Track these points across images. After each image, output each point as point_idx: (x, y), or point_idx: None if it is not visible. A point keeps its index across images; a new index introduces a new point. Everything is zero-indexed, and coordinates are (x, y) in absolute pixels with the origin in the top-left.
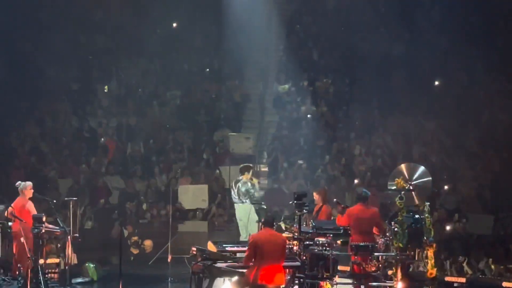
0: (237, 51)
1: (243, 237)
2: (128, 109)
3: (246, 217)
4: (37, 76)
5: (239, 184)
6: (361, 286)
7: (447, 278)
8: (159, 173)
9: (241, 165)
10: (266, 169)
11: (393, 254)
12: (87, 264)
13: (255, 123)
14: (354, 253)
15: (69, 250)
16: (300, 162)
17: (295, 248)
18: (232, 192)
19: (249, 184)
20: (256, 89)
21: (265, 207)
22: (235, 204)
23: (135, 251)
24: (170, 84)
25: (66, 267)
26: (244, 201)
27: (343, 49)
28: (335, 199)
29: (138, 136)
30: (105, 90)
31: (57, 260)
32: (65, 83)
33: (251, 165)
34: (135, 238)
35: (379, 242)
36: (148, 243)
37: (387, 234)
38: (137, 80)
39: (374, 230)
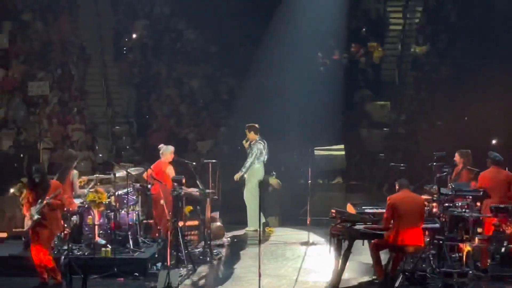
0: (375, 12)
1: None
2: (263, 70)
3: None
4: (176, 38)
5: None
6: (502, 248)
7: None
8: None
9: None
10: (404, 131)
11: None
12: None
13: (393, 85)
14: (494, 215)
15: (208, 213)
16: (439, 123)
17: (434, 210)
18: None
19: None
20: (394, 50)
21: None
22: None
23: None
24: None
25: (206, 230)
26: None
27: (480, 10)
28: (467, 167)
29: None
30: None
31: (196, 222)
32: (204, 45)
33: (256, 125)
34: None
35: None
36: None
37: None
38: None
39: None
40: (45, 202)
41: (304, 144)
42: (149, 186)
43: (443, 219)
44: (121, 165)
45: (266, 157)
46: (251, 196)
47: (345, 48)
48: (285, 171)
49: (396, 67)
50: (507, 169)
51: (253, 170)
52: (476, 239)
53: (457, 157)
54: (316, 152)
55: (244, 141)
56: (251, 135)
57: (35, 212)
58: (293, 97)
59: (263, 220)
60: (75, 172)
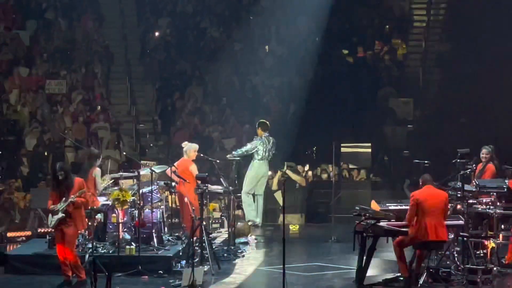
0: (399, 9)
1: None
2: (290, 69)
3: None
4: (200, 37)
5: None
6: None
7: None
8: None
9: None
10: (427, 128)
11: None
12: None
13: (417, 82)
14: None
15: (232, 210)
16: (463, 120)
17: (458, 206)
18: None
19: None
20: (419, 48)
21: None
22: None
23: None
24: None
25: (230, 227)
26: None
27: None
28: (504, 165)
29: (300, 96)
30: (267, 50)
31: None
32: (228, 44)
33: (266, 122)
34: None
35: None
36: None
37: None
38: (299, 39)
39: None
40: (69, 200)
41: (329, 141)
42: (173, 184)
43: (467, 216)
44: (145, 163)
45: (270, 154)
46: (245, 191)
47: (369, 46)
48: (309, 169)
49: (420, 64)
50: None
51: (253, 167)
52: (501, 235)
53: (483, 153)
54: (343, 149)
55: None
56: (259, 131)
57: (59, 209)
58: (318, 94)
59: (258, 219)
60: (97, 169)
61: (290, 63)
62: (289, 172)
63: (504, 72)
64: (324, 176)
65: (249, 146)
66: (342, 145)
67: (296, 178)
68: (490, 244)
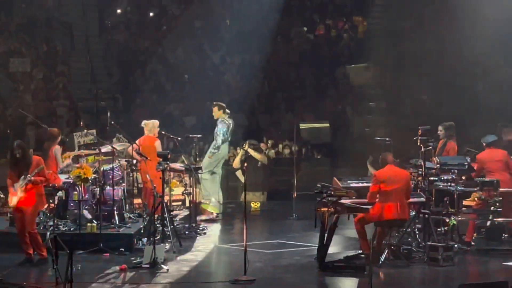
0: None
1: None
2: (251, 46)
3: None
4: (161, 14)
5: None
6: (487, 222)
7: None
8: (283, 110)
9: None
10: (389, 105)
11: None
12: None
13: (377, 59)
14: (480, 189)
15: (194, 187)
16: (424, 98)
17: (420, 184)
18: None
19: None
20: (379, 25)
21: None
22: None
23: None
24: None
25: (191, 204)
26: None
27: None
28: (466, 148)
29: (260, 74)
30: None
31: (182, 197)
32: (189, 21)
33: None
34: None
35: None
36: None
37: None
38: (259, 16)
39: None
40: (27, 178)
41: (290, 118)
42: (134, 161)
43: (429, 193)
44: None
45: (230, 135)
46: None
47: (329, 23)
48: (271, 146)
49: (381, 42)
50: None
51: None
52: (462, 213)
53: (440, 130)
54: (302, 126)
55: None
56: (220, 113)
57: (18, 188)
58: (278, 71)
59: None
60: (57, 147)
61: (250, 40)
62: (250, 150)
63: (464, 50)
64: (286, 152)
65: (221, 136)
66: (301, 122)
67: (257, 156)
68: (451, 221)
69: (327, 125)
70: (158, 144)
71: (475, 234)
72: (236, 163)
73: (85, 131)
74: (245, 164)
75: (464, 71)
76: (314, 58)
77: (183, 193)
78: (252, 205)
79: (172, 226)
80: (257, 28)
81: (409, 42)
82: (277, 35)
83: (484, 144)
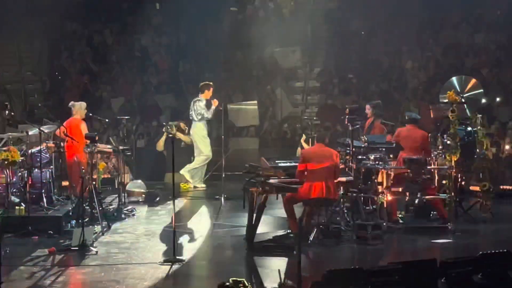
0: None
1: (197, 155)
2: (178, 27)
3: (195, 135)
4: None
5: (195, 102)
6: (415, 200)
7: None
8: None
9: (202, 83)
10: (318, 84)
11: (446, 167)
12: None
13: (305, 39)
14: (407, 166)
15: (122, 169)
16: (351, 76)
17: (348, 163)
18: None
19: (202, 103)
20: (306, 5)
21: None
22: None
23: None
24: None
25: (120, 186)
26: (195, 119)
27: None
28: (381, 120)
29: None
30: (157, 7)
31: (108, 176)
32: (117, 2)
33: (210, 83)
34: None
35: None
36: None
37: (440, 147)
38: None
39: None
40: None
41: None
42: (62, 143)
43: (357, 172)
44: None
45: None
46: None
47: (257, 3)
48: None
49: (308, 21)
50: None
51: (201, 128)
52: (389, 191)
53: (368, 109)
54: (230, 106)
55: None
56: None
57: None
58: (207, 52)
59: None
60: None
61: (179, 21)
62: (179, 134)
63: (392, 28)
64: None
65: (206, 112)
66: (229, 103)
67: (183, 138)
68: (379, 200)
69: (255, 107)
70: (84, 126)
71: (403, 212)
72: (161, 145)
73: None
74: (173, 145)
75: (391, 49)
76: (242, 38)
77: (111, 175)
78: (181, 186)
79: (100, 208)
80: (184, 9)
81: (337, 22)
82: (206, 16)
83: (406, 117)
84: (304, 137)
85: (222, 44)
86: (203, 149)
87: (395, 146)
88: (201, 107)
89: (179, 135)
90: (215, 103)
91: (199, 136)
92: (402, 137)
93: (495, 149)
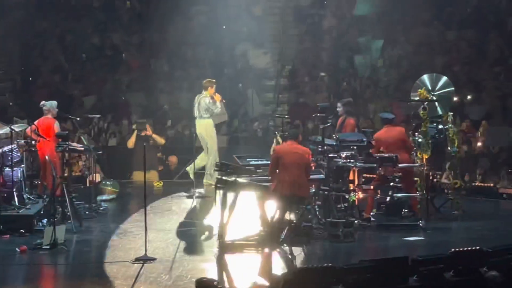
0: None
1: (205, 153)
2: (149, 25)
3: (204, 132)
4: None
5: (200, 100)
6: (387, 198)
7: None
8: (183, 89)
9: (205, 80)
10: (289, 82)
11: (417, 165)
12: (103, 184)
13: (277, 37)
14: (379, 165)
15: (93, 168)
16: (322, 74)
17: (319, 161)
18: (194, 108)
19: (208, 100)
20: (277, 2)
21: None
22: (195, 120)
23: (160, 167)
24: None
25: (91, 185)
26: (204, 116)
27: None
28: (362, 129)
29: (161, 52)
30: (128, 6)
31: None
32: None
33: (213, 80)
34: (159, 154)
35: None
36: (173, 159)
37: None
38: None
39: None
40: None
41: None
42: (33, 142)
43: (328, 170)
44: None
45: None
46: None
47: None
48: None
49: (280, 19)
50: None
51: (212, 126)
52: (361, 189)
53: (339, 107)
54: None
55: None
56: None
57: None
58: (177, 51)
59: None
60: None
61: (150, 19)
62: (155, 136)
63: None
64: (186, 132)
65: (217, 107)
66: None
67: (157, 138)
68: (351, 197)
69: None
70: (56, 125)
71: (374, 210)
72: (132, 141)
73: None
74: (144, 144)
75: (364, 46)
76: (212, 36)
77: (83, 174)
78: (154, 184)
79: (72, 207)
80: (156, 7)
81: (310, 20)
82: (175, 14)
83: (380, 119)
84: (278, 135)
85: (194, 43)
86: (214, 146)
87: (366, 144)
88: (208, 102)
89: (155, 136)
90: (218, 98)
91: (209, 134)
92: (382, 141)
93: (466, 147)
